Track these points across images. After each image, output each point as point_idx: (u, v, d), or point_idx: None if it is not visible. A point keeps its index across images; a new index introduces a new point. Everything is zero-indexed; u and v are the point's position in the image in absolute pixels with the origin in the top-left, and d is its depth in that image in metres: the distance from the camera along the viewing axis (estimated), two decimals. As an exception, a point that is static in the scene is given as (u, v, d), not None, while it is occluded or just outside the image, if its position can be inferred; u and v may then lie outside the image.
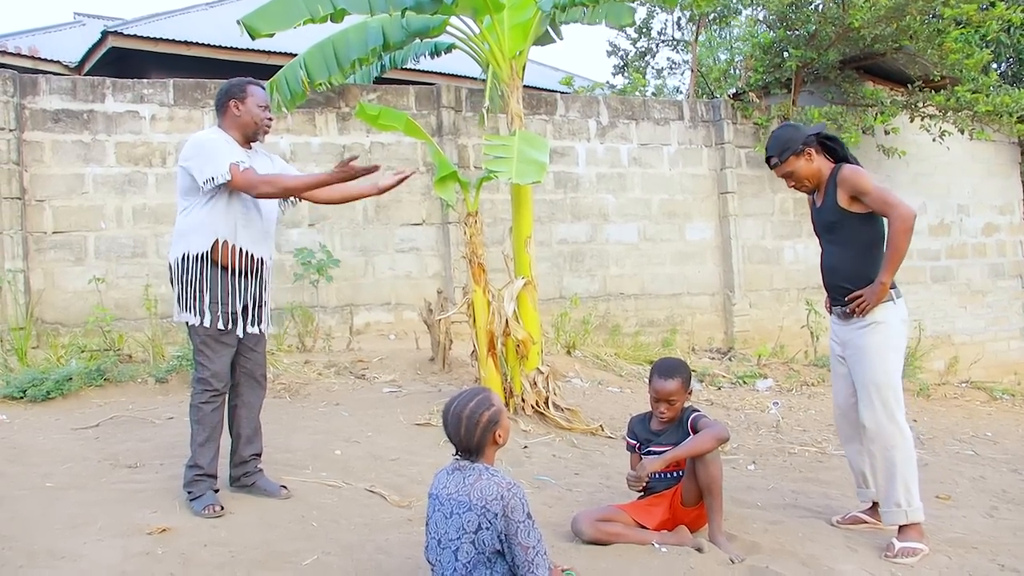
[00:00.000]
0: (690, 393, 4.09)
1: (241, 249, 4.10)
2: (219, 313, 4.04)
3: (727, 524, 3.97)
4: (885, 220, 4.11)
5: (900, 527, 4.04)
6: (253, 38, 6.47)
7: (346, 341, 8.70)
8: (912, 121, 11.65)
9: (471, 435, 2.93)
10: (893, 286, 4.13)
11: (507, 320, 6.20)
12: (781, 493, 4.96)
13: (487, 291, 6.32)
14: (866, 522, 4.32)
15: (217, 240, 4.03)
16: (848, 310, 4.16)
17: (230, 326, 4.08)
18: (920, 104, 11.47)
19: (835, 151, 4.28)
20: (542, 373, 6.38)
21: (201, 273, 4.02)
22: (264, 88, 4.30)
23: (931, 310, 12.84)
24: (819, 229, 4.38)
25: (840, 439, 4.60)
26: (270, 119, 4.26)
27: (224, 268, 4.06)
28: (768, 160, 4.32)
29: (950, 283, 13.17)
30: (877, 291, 4.06)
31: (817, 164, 4.23)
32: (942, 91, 11.23)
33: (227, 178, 3.96)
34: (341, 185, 4.19)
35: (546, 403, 6.30)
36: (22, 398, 6.22)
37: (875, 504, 4.30)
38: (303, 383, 7.14)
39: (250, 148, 4.25)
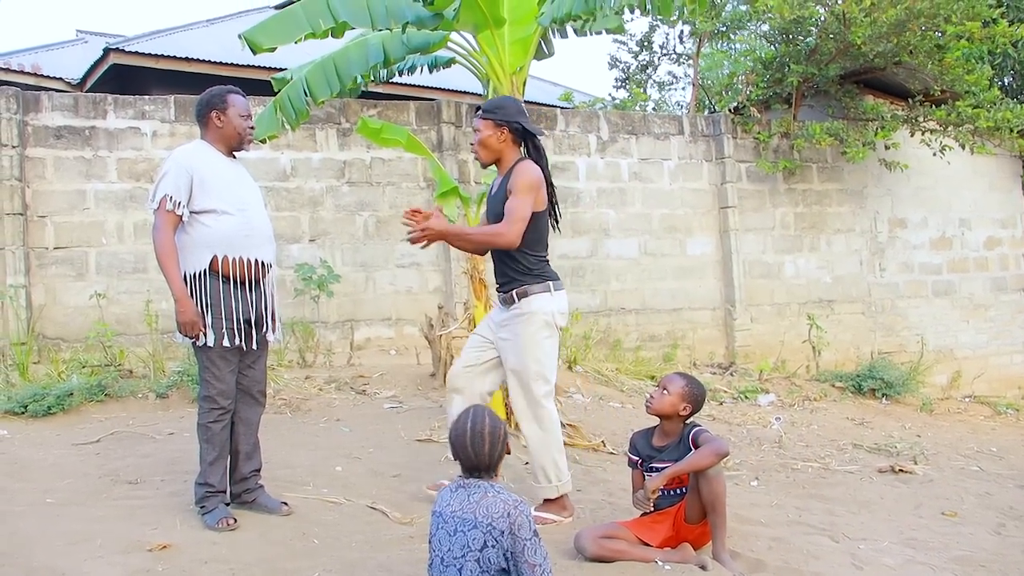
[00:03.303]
0: (687, 408, 4.01)
1: (246, 260, 4.03)
2: (225, 329, 3.97)
3: (730, 541, 3.94)
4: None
5: (544, 500, 4.32)
6: (255, 52, 6.47)
7: (347, 356, 8.68)
8: (913, 135, 11.64)
9: (495, 452, 2.93)
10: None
11: (509, 335, 6.17)
12: (785, 510, 4.93)
13: (488, 306, 6.30)
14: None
15: (216, 256, 3.95)
16: (506, 297, 4.30)
17: (237, 341, 4.01)
18: (921, 119, 11.46)
19: (532, 155, 4.38)
20: (544, 388, 6.34)
21: (204, 291, 3.94)
22: (244, 96, 4.23)
23: (933, 324, 12.82)
24: (489, 215, 4.50)
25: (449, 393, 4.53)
26: (252, 128, 4.21)
27: (229, 281, 3.99)
28: (478, 109, 4.45)
29: (952, 297, 13.14)
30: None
31: (504, 147, 4.35)
32: (943, 105, 11.22)
33: (153, 207, 3.92)
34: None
35: (548, 419, 6.26)
36: (23, 413, 6.20)
37: None
38: (304, 398, 7.12)
39: (234, 158, 4.21)
